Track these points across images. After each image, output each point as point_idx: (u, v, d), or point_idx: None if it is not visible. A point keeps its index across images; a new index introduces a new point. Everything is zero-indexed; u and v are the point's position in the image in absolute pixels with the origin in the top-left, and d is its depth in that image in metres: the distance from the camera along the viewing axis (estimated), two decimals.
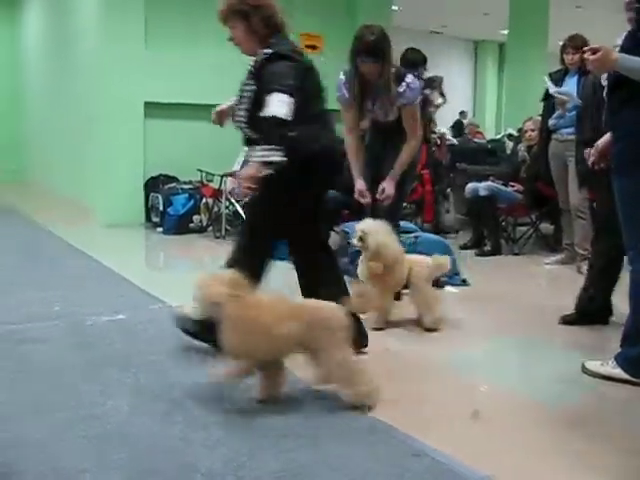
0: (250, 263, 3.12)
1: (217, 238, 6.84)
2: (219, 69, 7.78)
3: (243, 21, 3.23)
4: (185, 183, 7.39)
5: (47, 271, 5.29)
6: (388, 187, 4.28)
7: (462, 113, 16.59)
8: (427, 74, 6.43)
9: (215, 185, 7.14)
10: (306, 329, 2.63)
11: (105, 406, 2.73)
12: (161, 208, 7.18)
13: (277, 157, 2.89)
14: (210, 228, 7.12)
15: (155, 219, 7.33)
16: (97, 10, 7.66)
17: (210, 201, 7.14)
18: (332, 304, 2.73)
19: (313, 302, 2.83)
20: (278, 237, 3.39)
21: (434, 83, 6.73)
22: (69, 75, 9.98)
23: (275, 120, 2.92)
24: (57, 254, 6.04)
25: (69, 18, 9.82)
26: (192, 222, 7.22)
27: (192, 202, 7.15)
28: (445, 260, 4.03)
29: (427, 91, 6.43)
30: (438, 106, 6.97)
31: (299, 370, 2.89)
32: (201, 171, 7.33)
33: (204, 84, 7.77)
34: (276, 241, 3.39)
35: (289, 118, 2.93)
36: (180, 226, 7.06)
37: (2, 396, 2.83)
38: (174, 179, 7.56)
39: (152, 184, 7.56)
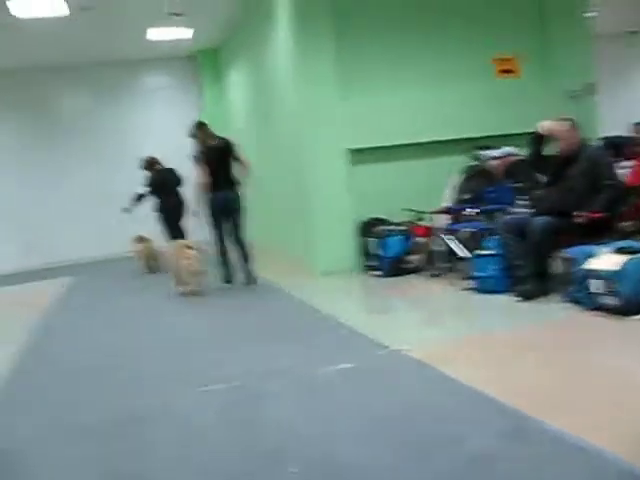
0: None
1: (433, 277, 6.81)
2: (414, 109, 7.91)
3: None
4: (396, 224, 7.46)
5: (271, 324, 5.54)
6: None
7: None
8: None
9: (426, 223, 7.16)
10: None
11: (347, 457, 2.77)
12: (375, 252, 7.31)
13: None
14: (426, 267, 7.12)
15: (371, 263, 7.46)
16: (290, 68, 8.13)
17: (423, 240, 7.14)
18: None
19: None
20: None
21: None
22: (272, 132, 10.57)
23: None
24: (278, 306, 6.33)
25: (267, 79, 10.43)
26: (407, 263, 7.25)
27: (405, 243, 7.20)
28: None
29: None
30: None
31: None
32: (410, 210, 7.38)
33: (400, 125, 7.90)
34: None
35: None
36: (396, 268, 7.12)
37: (238, 449, 2.95)
38: (385, 221, 7.68)
39: (364, 229, 7.73)
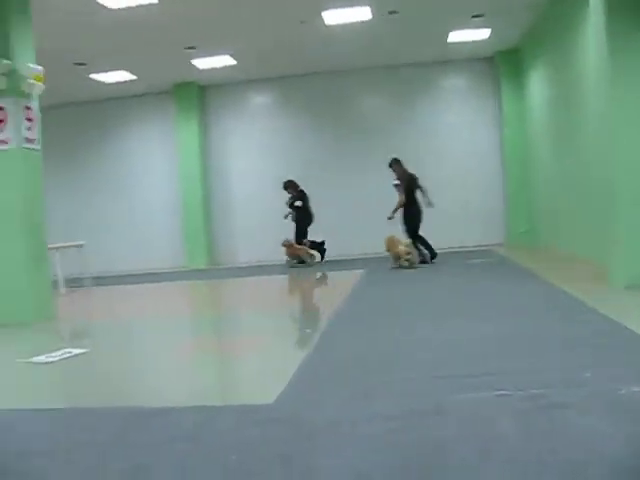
0: None
1: None
2: None
3: None
4: None
5: (570, 336, 5.27)
6: None
7: None
8: None
9: None
10: None
11: None
12: None
13: None
14: None
15: None
16: (601, 75, 7.58)
17: None
18: None
19: None
20: None
21: None
22: (575, 136, 10.11)
23: None
24: (578, 317, 6.00)
25: (572, 86, 10.00)
26: None
27: None
28: None
29: None
30: None
31: None
32: None
33: None
34: None
35: None
36: None
37: (534, 458, 2.82)
38: None
39: None
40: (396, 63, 14.85)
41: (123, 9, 9.87)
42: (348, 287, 9.16)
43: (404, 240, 11.24)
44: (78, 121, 16.52)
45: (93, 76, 13.91)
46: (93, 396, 4.61)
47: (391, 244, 11.21)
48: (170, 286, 12.41)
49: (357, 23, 11.50)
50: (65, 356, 5.86)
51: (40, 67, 8.50)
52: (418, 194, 11.65)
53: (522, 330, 5.49)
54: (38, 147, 8.54)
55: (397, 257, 11.14)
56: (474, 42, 13.29)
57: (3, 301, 8.25)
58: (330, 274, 11.91)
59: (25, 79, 8.24)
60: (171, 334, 7.34)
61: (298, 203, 13.74)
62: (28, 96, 8.39)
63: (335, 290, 9.37)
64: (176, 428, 3.55)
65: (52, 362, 5.67)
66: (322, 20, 11.22)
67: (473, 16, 11.68)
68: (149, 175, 16.17)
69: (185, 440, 3.35)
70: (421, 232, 11.59)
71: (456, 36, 12.80)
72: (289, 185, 13.96)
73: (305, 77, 15.40)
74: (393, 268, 11.12)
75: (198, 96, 15.74)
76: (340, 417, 3.54)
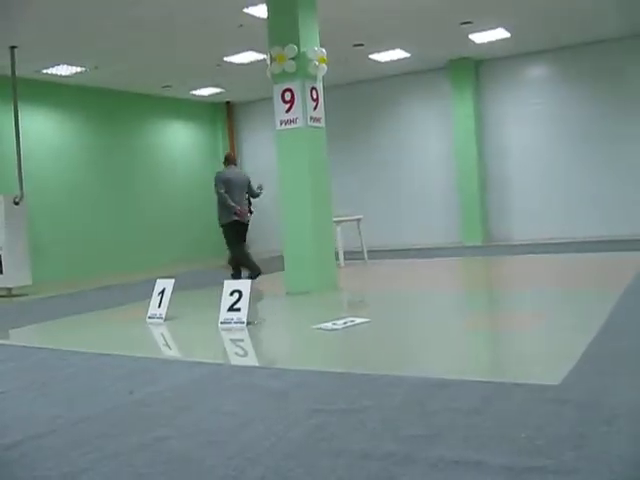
0: None
1: None
2: None
3: None
4: None
5: None
6: None
7: None
8: None
9: None
10: None
11: None
12: None
13: None
14: None
15: None
16: None
17: None
18: None
19: None
20: None
21: None
22: None
23: None
24: None
25: None
26: None
27: None
28: None
29: None
30: None
31: None
32: None
33: None
34: None
35: None
36: None
37: None
38: None
39: None
40: None
41: None
42: (633, 268, 8.56)
43: None
44: (356, 99, 17.13)
45: (371, 56, 14.29)
46: (377, 363, 4.79)
47: None
48: (445, 261, 12.49)
49: None
50: (349, 324, 6.16)
51: (324, 49, 8.93)
52: None
53: None
54: (322, 125, 9.02)
55: None
56: None
57: (292, 270, 8.88)
58: (611, 255, 11.18)
59: (311, 62, 8.72)
60: (446, 308, 7.40)
61: None
62: (314, 77, 8.88)
63: (619, 270, 8.78)
64: (462, 401, 3.57)
65: (337, 329, 5.98)
66: None
67: None
68: (425, 150, 16.33)
69: (472, 413, 3.35)
70: None
71: None
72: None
73: (583, 47, 14.47)
74: None
75: (474, 71, 15.54)
76: (636, 403, 3.32)
